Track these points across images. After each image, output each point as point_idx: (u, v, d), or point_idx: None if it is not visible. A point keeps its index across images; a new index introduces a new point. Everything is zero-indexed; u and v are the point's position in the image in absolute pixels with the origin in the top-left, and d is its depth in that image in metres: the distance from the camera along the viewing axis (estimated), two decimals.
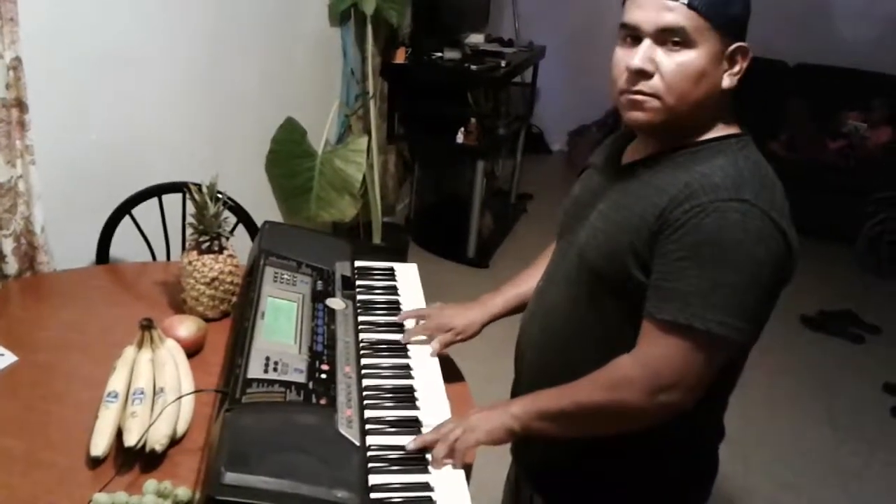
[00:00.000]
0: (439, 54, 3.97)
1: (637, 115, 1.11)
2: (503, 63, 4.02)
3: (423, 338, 1.48)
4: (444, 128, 3.95)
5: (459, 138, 3.92)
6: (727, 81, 1.09)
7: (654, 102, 1.09)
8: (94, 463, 1.17)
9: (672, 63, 1.06)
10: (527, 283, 1.45)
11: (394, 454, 1.17)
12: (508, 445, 1.42)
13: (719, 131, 1.13)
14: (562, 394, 1.15)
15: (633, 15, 1.08)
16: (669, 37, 1.05)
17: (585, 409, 1.12)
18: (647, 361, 1.08)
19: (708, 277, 1.02)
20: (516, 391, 1.42)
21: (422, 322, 1.50)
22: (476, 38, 4.42)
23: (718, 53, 1.06)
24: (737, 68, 1.09)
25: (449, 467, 1.16)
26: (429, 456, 1.17)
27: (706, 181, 1.05)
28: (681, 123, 1.11)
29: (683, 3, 1.04)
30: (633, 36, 1.09)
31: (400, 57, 3.83)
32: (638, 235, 1.09)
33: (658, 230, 1.07)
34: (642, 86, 1.08)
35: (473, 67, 3.89)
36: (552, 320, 1.28)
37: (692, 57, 1.05)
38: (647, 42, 1.07)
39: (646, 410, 1.09)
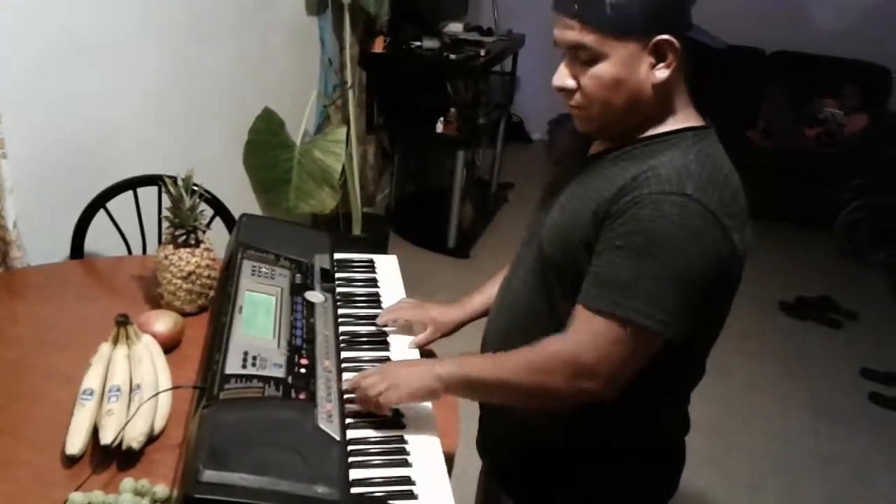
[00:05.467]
0: (418, 43, 3.94)
1: (577, 124, 1.16)
2: (482, 52, 4.00)
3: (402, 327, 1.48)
4: (424, 117, 3.93)
5: (439, 128, 3.91)
6: (659, 75, 1.06)
7: (584, 113, 1.13)
8: (70, 462, 1.15)
9: (587, 77, 1.08)
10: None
11: (375, 448, 1.17)
12: (475, 442, 1.43)
13: (676, 124, 1.11)
14: (489, 365, 1.17)
15: (554, 31, 1.09)
16: (578, 53, 1.07)
17: (509, 386, 1.13)
18: (571, 346, 1.08)
19: (634, 267, 1.02)
20: None
21: (400, 316, 1.49)
22: (455, 27, 4.39)
23: (634, 55, 1.04)
24: (668, 60, 1.05)
25: (430, 461, 1.16)
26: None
27: (653, 174, 1.05)
28: (623, 123, 1.12)
29: (578, 21, 1.04)
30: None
31: (378, 46, 3.80)
32: (587, 229, 1.09)
33: (601, 220, 1.07)
34: (570, 100, 1.12)
35: (453, 56, 3.86)
36: (515, 311, 1.28)
37: (604, 68, 1.06)
38: (566, 59, 1.10)
39: (562, 393, 1.09)
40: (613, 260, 1.04)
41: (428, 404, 1.30)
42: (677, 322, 1.03)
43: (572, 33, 1.06)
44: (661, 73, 1.06)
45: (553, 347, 1.10)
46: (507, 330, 1.30)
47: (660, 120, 1.11)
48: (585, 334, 1.06)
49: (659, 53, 1.05)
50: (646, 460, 1.26)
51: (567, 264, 1.13)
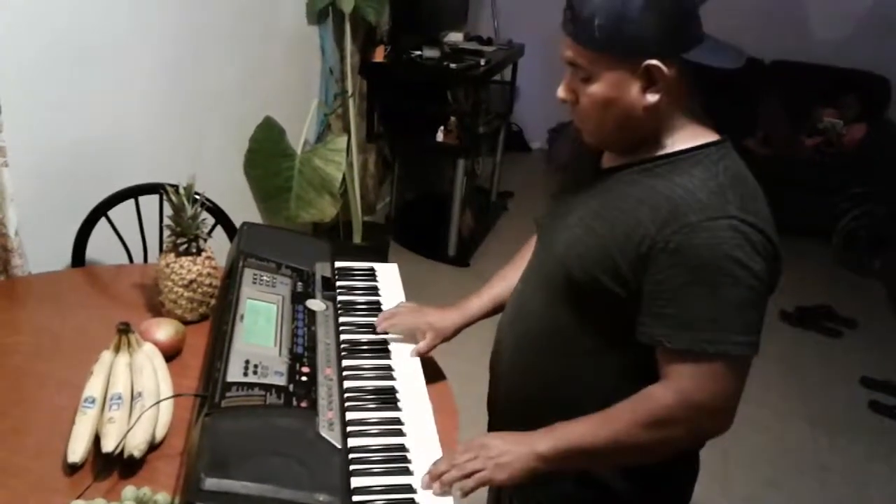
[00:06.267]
0: (418, 53, 3.96)
1: (584, 136, 1.19)
2: (482, 61, 4.02)
3: (401, 335, 1.48)
4: (424, 126, 3.95)
5: (439, 137, 3.92)
6: (650, 99, 1.07)
7: (582, 127, 1.16)
8: (72, 469, 1.15)
9: (583, 95, 1.11)
10: (503, 283, 1.45)
11: (376, 456, 1.17)
12: None
13: (694, 140, 1.11)
14: (594, 429, 1.12)
15: (560, 46, 1.12)
16: (576, 70, 1.10)
17: (625, 446, 1.11)
18: (681, 394, 1.07)
19: (709, 300, 1.03)
20: (493, 392, 1.42)
21: (398, 322, 1.49)
22: (455, 37, 4.41)
23: (623, 77, 1.06)
24: (659, 84, 1.06)
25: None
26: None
27: (690, 198, 1.05)
28: (620, 141, 1.14)
29: (572, 40, 1.07)
30: None
31: (379, 55, 3.82)
32: (622, 253, 1.09)
33: (647, 253, 1.07)
34: (572, 113, 1.15)
35: (453, 66, 3.88)
36: (528, 322, 1.28)
37: (596, 87, 1.08)
38: (568, 73, 1.13)
39: (685, 439, 1.13)
40: (685, 297, 1.04)
41: (428, 408, 1.31)
42: (758, 337, 1.06)
43: (568, 51, 1.09)
44: (652, 97, 1.07)
45: (662, 401, 1.08)
46: (518, 344, 1.30)
47: (669, 137, 1.12)
48: (688, 379, 1.06)
49: (649, 77, 1.06)
50: (666, 471, 1.25)
51: (588, 282, 1.13)
